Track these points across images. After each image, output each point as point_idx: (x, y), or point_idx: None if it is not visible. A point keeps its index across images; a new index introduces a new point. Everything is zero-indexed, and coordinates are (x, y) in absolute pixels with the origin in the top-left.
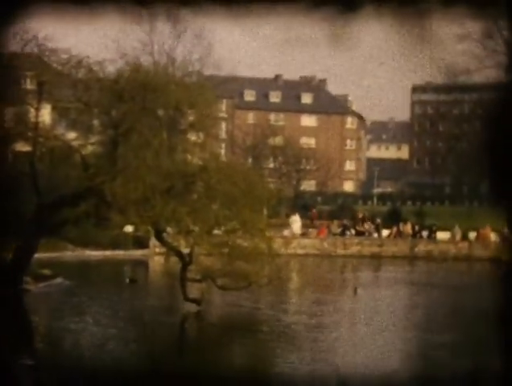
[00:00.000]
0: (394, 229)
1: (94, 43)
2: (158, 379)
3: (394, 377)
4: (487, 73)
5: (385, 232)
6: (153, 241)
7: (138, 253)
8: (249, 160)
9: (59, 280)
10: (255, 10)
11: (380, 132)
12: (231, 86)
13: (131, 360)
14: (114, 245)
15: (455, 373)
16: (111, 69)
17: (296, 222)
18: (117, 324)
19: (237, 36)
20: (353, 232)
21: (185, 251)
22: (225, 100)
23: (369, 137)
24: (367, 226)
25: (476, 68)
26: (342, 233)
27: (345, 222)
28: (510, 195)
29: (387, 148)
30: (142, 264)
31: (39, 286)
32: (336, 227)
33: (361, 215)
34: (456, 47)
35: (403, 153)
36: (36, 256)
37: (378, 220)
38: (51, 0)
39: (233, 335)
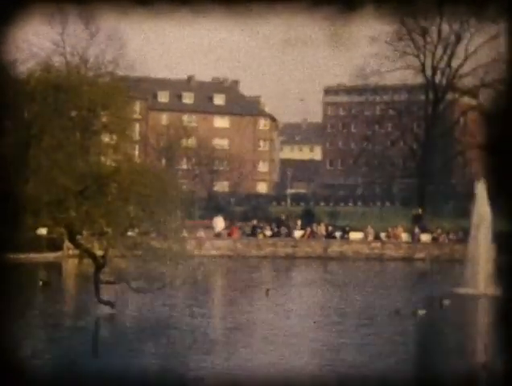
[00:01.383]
0: (308, 230)
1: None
2: (70, 381)
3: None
4: (398, 74)
5: (298, 233)
6: (67, 243)
7: (51, 256)
8: (163, 161)
9: None
10: (255, 9)
11: (293, 133)
12: (144, 87)
13: (38, 362)
14: (28, 248)
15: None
16: (22, 69)
17: (220, 223)
18: (27, 326)
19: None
20: (268, 233)
21: (99, 253)
22: (138, 102)
23: (282, 138)
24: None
25: (386, 70)
26: (254, 234)
27: (257, 223)
28: (510, 195)
29: (300, 149)
30: (56, 266)
31: None
32: (248, 228)
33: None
34: (368, 49)
35: (316, 154)
36: None
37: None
38: None
39: (144, 337)
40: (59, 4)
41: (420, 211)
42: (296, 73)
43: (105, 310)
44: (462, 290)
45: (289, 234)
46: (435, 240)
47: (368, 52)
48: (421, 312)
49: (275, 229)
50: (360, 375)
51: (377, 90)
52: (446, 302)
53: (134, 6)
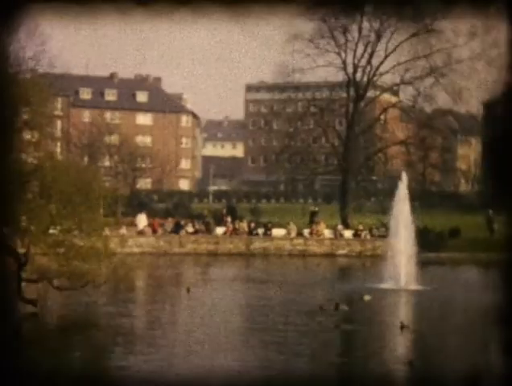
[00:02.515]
0: (229, 227)
1: None
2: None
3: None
4: (320, 72)
5: (220, 230)
6: None
7: None
8: (85, 158)
9: None
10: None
11: (215, 130)
12: (66, 84)
13: None
14: None
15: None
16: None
17: (143, 220)
18: None
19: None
20: (190, 229)
21: (21, 251)
22: (60, 98)
23: (204, 135)
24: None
25: (308, 67)
26: (176, 231)
27: (180, 220)
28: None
29: (222, 146)
30: None
31: None
32: (170, 224)
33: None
34: (289, 46)
35: (238, 151)
36: None
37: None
38: None
39: (66, 335)
40: (59, 4)
41: (317, 208)
42: (220, 70)
43: (28, 308)
44: (384, 285)
45: (209, 231)
46: (357, 236)
47: (289, 50)
48: (343, 307)
49: (197, 226)
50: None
51: (298, 87)
52: (367, 298)
53: (134, 6)
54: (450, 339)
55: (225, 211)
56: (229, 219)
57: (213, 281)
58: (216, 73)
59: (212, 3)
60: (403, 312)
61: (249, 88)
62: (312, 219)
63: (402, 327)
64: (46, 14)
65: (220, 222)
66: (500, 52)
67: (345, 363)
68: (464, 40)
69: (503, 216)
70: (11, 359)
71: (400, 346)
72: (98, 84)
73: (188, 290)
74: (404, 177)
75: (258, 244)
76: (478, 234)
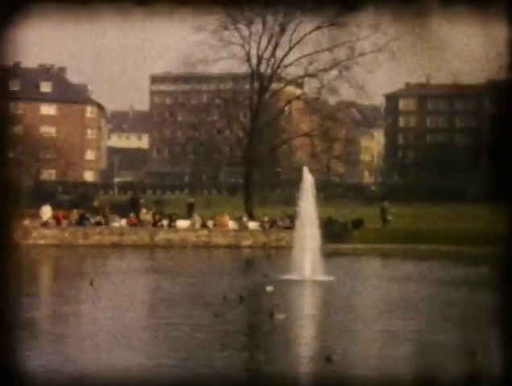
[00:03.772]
0: (131, 217)
1: None
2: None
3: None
4: (223, 64)
5: (124, 221)
6: None
7: None
8: None
9: None
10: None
11: (120, 121)
12: None
13: None
14: None
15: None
16: None
17: (47, 212)
18: None
19: None
20: (93, 220)
21: None
22: None
23: (109, 126)
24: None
25: (212, 59)
26: (81, 223)
27: (84, 211)
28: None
29: (127, 137)
30: None
31: None
32: (75, 216)
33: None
34: (193, 37)
35: (143, 142)
36: None
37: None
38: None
39: None
40: (58, 4)
41: (193, 200)
42: (125, 61)
43: None
44: (289, 276)
45: (107, 222)
46: (262, 227)
47: (193, 41)
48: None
49: (98, 218)
50: (360, 376)
51: (203, 79)
52: (270, 289)
53: (134, 6)
54: (353, 330)
55: (141, 201)
56: (143, 210)
57: (117, 272)
58: (122, 64)
59: None
60: (305, 302)
61: (154, 80)
62: (190, 211)
63: (272, 315)
64: (46, 15)
65: (125, 214)
66: (499, 52)
67: (251, 361)
68: (366, 33)
69: (398, 207)
70: None
71: (299, 339)
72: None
73: (92, 283)
74: (307, 168)
75: (162, 236)
76: (378, 225)
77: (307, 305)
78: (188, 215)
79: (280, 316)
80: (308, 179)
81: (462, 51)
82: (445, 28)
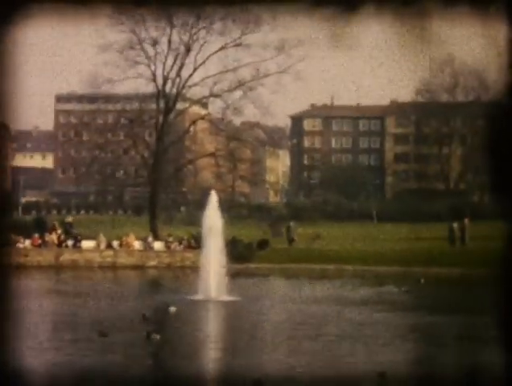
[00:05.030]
0: (35, 238)
1: None
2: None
3: None
4: (129, 83)
5: (28, 242)
6: None
7: None
8: None
9: None
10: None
11: (24, 140)
12: None
13: None
14: None
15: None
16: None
17: None
18: None
19: None
20: None
21: None
22: None
23: (13, 145)
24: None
25: (118, 78)
26: None
27: None
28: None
29: (32, 157)
30: None
31: None
32: None
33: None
34: (99, 56)
35: (48, 162)
36: None
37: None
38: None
39: None
40: (58, 5)
41: (71, 218)
42: (29, 79)
43: None
44: (194, 297)
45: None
46: (167, 247)
47: (99, 61)
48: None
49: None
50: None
51: (109, 98)
52: (173, 309)
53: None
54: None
55: (55, 223)
56: (59, 231)
57: (20, 293)
58: (26, 82)
59: None
60: (209, 323)
61: (59, 99)
62: (68, 230)
63: (149, 335)
64: (46, 15)
65: (29, 234)
66: (499, 52)
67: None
68: (271, 54)
69: (304, 227)
70: None
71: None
72: None
73: None
74: (213, 188)
75: (67, 256)
76: (284, 245)
77: (209, 325)
78: (65, 236)
79: (155, 336)
80: (214, 200)
81: (462, 51)
82: (445, 28)
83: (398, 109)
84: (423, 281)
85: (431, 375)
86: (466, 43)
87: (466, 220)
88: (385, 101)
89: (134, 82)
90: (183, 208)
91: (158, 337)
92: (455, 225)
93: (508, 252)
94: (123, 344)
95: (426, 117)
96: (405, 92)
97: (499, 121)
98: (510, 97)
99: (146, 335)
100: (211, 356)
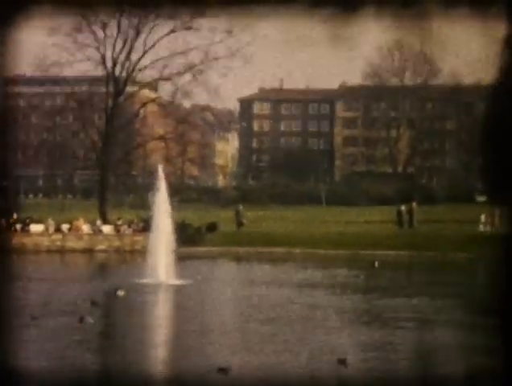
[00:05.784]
0: None
1: None
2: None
3: None
4: (78, 66)
5: None
6: None
7: None
8: None
9: None
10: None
11: None
12: None
13: None
14: None
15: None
16: None
17: None
18: None
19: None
20: None
21: None
22: None
23: None
24: None
25: (67, 61)
26: None
27: None
28: (510, 192)
29: None
30: None
31: None
32: None
33: None
34: (47, 39)
35: None
36: None
37: None
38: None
39: None
40: (59, 5)
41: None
42: None
43: None
44: (143, 280)
45: None
46: (116, 231)
47: (48, 43)
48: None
49: None
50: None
51: (57, 81)
52: (121, 293)
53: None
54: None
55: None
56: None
57: None
58: None
59: None
60: (157, 306)
61: (7, 81)
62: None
63: (82, 319)
64: (46, 15)
65: None
66: (499, 52)
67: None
68: (220, 38)
69: (253, 210)
70: None
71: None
72: None
73: None
74: (162, 171)
75: (16, 240)
76: (233, 228)
77: (158, 309)
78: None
79: (89, 320)
80: (162, 183)
81: (462, 51)
82: (445, 29)
83: (347, 93)
84: (377, 264)
85: (388, 360)
86: (466, 43)
87: (414, 204)
88: (334, 85)
89: (84, 65)
90: (132, 192)
91: (91, 321)
92: (403, 208)
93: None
94: (53, 330)
95: (374, 100)
96: (354, 76)
97: (499, 122)
98: (510, 97)
99: (79, 320)
100: (154, 342)
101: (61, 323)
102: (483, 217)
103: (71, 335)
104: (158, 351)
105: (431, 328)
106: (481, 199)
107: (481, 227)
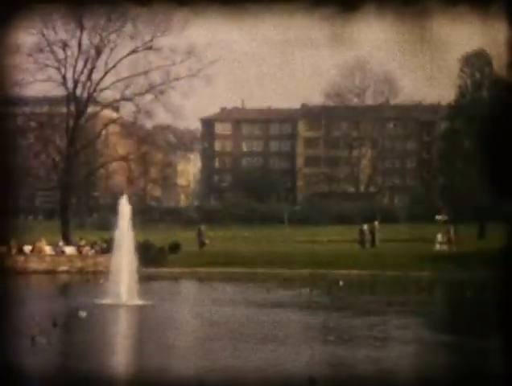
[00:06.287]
0: None
1: None
2: None
3: None
4: (39, 86)
5: None
6: None
7: None
8: None
9: None
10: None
11: None
12: None
13: None
14: None
15: None
16: None
17: None
18: None
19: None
20: None
21: None
22: None
23: None
24: None
25: (27, 82)
26: None
27: None
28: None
29: None
30: None
31: None
32: None
33: None
34: (7, 60)
35: None
36: None
37: None
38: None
39: None
40: (58, 5)
41: None
42: None
43: None
44: (105, 301)
45: None
46: (79, 252)
47: (8, 63)
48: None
49: None
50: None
51: (17, 102)
52: (82, 314)
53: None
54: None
55: None
56: None
57: None
58: None
59: None
60: (117, 327)
61: None
62: None
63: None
64: (46, 15)
65: None
66: (499, 52)
67: None
68: (181, 58)
69: (215, 230)
70: None
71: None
72: None
73: None
74: (124, 192)
75: None
76: (195, 248)
77: (119, 329)
78: None
79: (40, 339)
80: (125, 203)
81: (462, 51)
82: (446, 28)
83: (308, 113)
84: (341, 283)
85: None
86: (466, 43)
87: (376, 223)
88: (295, 105)
89: (44, 85)
90: (95, 212)
91: (44, 341)
92: (365, 227)
93: (509, 252)
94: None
95: (336, 120)
96: (315, 96)
97: (500, 121)
98: (510, 96)
99: (31, 339)
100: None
101: (12, 344)
102: (439, 236)
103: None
104: (114, 369)
105: (392, 345)
106: (440, 218)
107: (437, 247)
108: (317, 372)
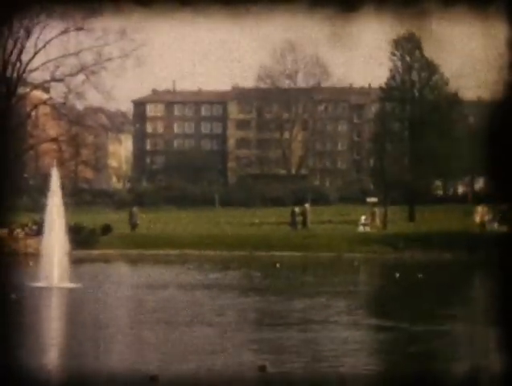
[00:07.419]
0: None
1: None
2: None
3: None
4: None
5: None
6: None
7: None
8: None
9: None
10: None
11: None
12: None
13: None
14: None
15: None
16: None
17: None
18: None
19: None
20: None
21: None
22: None
23: None
24: None
25: None
26: None
27: None
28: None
29: None
30: None
31: None
32: None
33: None
34: None
35: None
36: None
37: None
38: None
39: None
40: (59, 5)
41: None
42: None
43: None
44: (36, 284)
45: None
46: (10, 234)
47: None
48: None
49: None
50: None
51: None
52: (14, 296)
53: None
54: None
55: None
56: None
57: None
58: None
59: None
60: (48, 310)
61: None
62: None
63: None
64: (46, 15)
65: None
66: (500, 52)
67: None
68: (113, 39)
69: (147, 212)
70: None
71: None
72: None
73: None
74: (55, 174)
75: None
76: (127, 230)
77: (49, 312)
78: None
79: None
80: (55, 185)
81: (462, 51)
82: (445, 28)
83: (239, 95)
84: (278, 265)
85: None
86: (466, 43)
87: (307, 205)
88: (227, 86)
89: None
90: (25, 194)
91: None
92: (296, 210)
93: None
94: None
95: (267, 102)
96: (247, 78)
97: (500, 120)
98: (511, 96)
99: None
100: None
101: None
102: (363, 218)
103: None
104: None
105: (322, 328)
106: (371, 200)
107: (361, 228)
108: (246, 357)
